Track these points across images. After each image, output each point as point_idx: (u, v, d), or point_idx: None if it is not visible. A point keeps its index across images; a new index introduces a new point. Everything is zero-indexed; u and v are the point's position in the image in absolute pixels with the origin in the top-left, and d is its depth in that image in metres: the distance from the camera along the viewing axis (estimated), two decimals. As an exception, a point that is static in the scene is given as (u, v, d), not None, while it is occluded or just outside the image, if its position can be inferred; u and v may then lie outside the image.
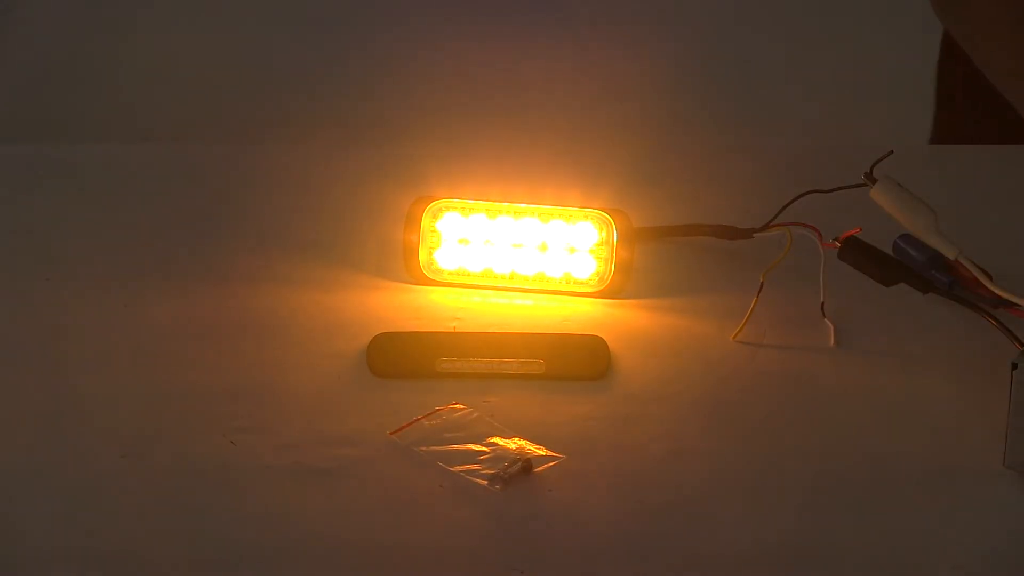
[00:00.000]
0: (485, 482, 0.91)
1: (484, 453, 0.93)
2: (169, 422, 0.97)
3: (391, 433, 0.95)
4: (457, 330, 1.07)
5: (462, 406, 0.98)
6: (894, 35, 2.36)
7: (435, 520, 0.89)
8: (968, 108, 1.45)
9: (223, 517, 0.89)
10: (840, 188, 1.05)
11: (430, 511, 0.90)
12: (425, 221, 1.10)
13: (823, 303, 1.06)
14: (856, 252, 1.03)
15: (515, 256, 1.10)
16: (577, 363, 1.03)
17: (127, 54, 2.54)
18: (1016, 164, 1.29)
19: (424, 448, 0.94)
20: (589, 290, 1.10)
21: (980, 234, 1.08)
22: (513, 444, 0.94)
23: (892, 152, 1.02)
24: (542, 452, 0.93)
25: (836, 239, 1.04)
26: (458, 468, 0.92)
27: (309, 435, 0.95)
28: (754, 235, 1.11)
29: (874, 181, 1.02)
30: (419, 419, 0.96)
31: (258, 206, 1.23)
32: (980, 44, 1.27)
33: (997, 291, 0.99)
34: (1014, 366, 0.91)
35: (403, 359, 1.03)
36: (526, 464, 0.92)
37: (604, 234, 1.10)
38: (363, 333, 1.05)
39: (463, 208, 1.11)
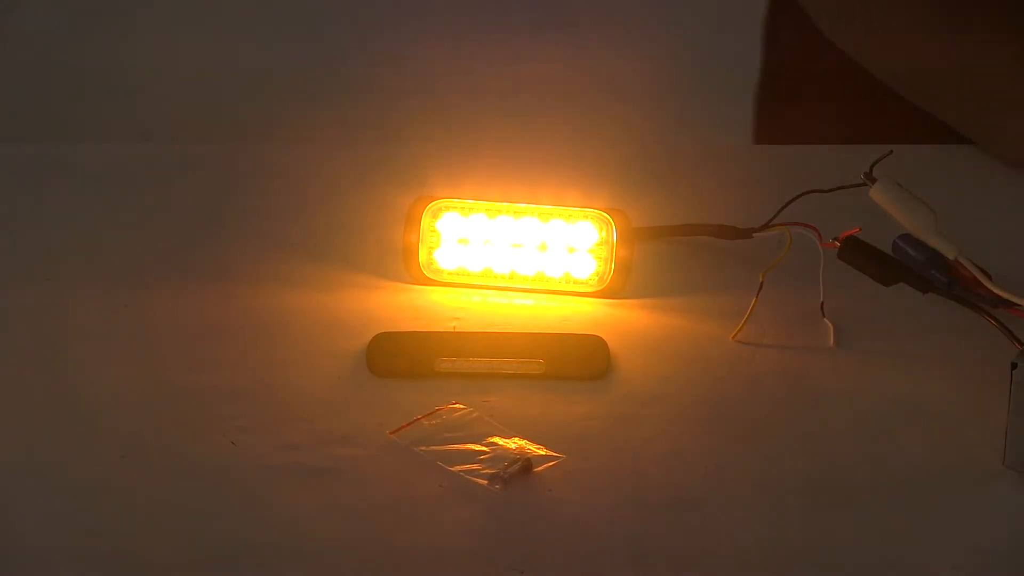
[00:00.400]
0: (485, 482, 0.91)
1: (484, 453, 0.93)
2: (169, 422, 0.97)
3: (391, 433, 0.95)
4: (457, 330, 1.07)
5: (462, 406, 0.98)
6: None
7: (435, 520, 0.89)
8: (792, 108, 1.45)
9: (223, 517, 0.89)
10: (840, 188, 1.05)
11: (430, 511, 0.90)
12: (425, 221, 1.10)
13: (823, 303, 1.06)
14: (856, 252, 1.03)
15: (515, 256, 1.10)
16: (577, 363, 1.03)
17: (127, 54, 2.54)
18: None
19: (424, 448, 0.94)
20: (589, 290, 1.10)
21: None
22: (513, 444, 0.94)
23: (892, 152, 1.02)
24: (542, 452, 0.93)
25: (836, 239, 1.04)
26: (458, 468, 0.92)
27: (309, 435, 0.95)
28: (754, 235, 1.11)
29: (874, 181, 1.02)
30: (419, 419, 0.96)
31: (258, 206, 1.23)
32: (888, 55, 1.26)
33: (997, 291, 0.99)
34: (1014, 366, 0.91)
35: (403, 359, 1.03)
36: (526, 464, 0.92)
37: (603, 234, 1.10)
38: (363, 333, 1.05)
39: (463, 208, 1.11)
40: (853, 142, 1.30)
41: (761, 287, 1.05)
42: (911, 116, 1.29)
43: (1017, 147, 1.25)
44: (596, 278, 1.10)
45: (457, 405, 0.98)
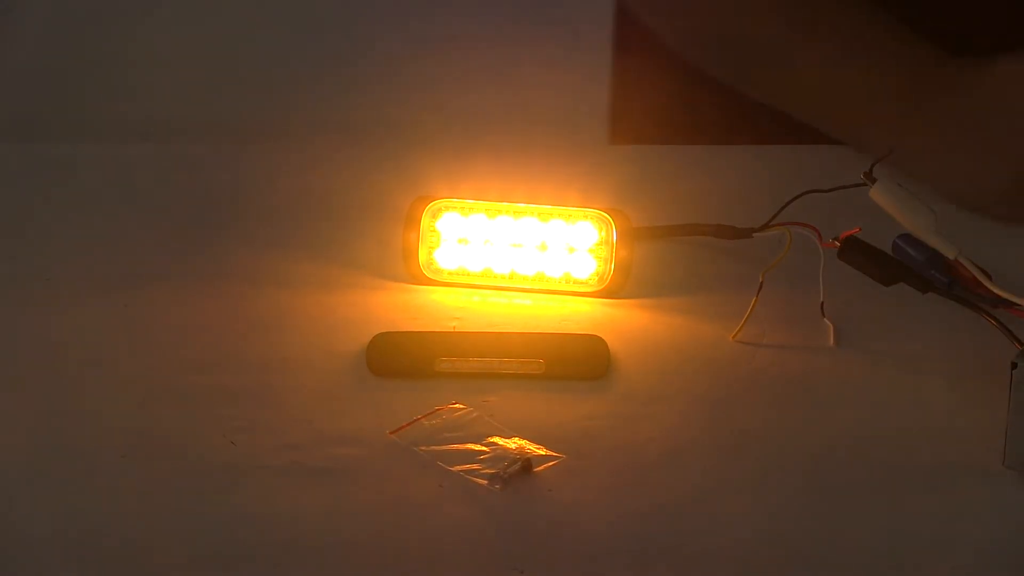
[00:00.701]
0: (485, 482, 0.91)
1: (484, 453, 0.93)
2: (169, 422, 0.97)
3: (391, 433, 0.95)
4: (457, 330, 1.07)
5: (462, 406, 0.98)
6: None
7: (435, 520, 0.89)
8: (645, 109, 1.45)
9: (223, 517, 0.89)
10: (840, 188, 1.05)
11: (430, 511, 0.90)
12: (425, 221, 1.10)
13: (823, 303, 1.06)
14: (856, 252, 1.03)
15: (514, 256, 1.10)
16: (577, 363, 1.03)
17: (127, 54, 2.54)
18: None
19: (424, 448, 0.94)
20: (589, 290, 1.10)
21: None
22: (513, 444, 0.94)
23: (892, 151, 1.03)
24: (542, 452, 0.93)
25: (836, 239, 1.04)
26: (458, 468, 0.92)
27: (309, 435, 0.95)
28: (754, 235, 1.11)
29: (874, 181, 1.02)
30: (419, 419, 0.96)
31: (258, 206, 1.23)
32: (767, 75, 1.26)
33: (996, 291, 0.99)
34: (1014, 366, 0.91)
35: (403, 359, 1.03)
36: (526, 464, 0.92)
37: (603, 234, 1.10)
38: (363, 333, 1.05)
39: (463, 208, 1.11)
40: (710, 143, 1.30)
41: (761, 287, 1.05)
42: (768, 116, 1.29)
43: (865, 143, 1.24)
44: (596, 278, 1.10)
45: (457, 405, 0.98)
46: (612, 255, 1.09)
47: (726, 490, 0.92)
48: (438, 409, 0.97)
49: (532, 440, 0.94)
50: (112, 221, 1.20)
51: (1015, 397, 0.91)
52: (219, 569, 0.86)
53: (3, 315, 1.08)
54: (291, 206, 1.23)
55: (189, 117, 2.43)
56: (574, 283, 1.10)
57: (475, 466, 0.92)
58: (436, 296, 1.11)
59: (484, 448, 0.94)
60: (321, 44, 2.56)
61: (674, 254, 1.15)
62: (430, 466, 0.92)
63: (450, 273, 1.11)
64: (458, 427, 0.96)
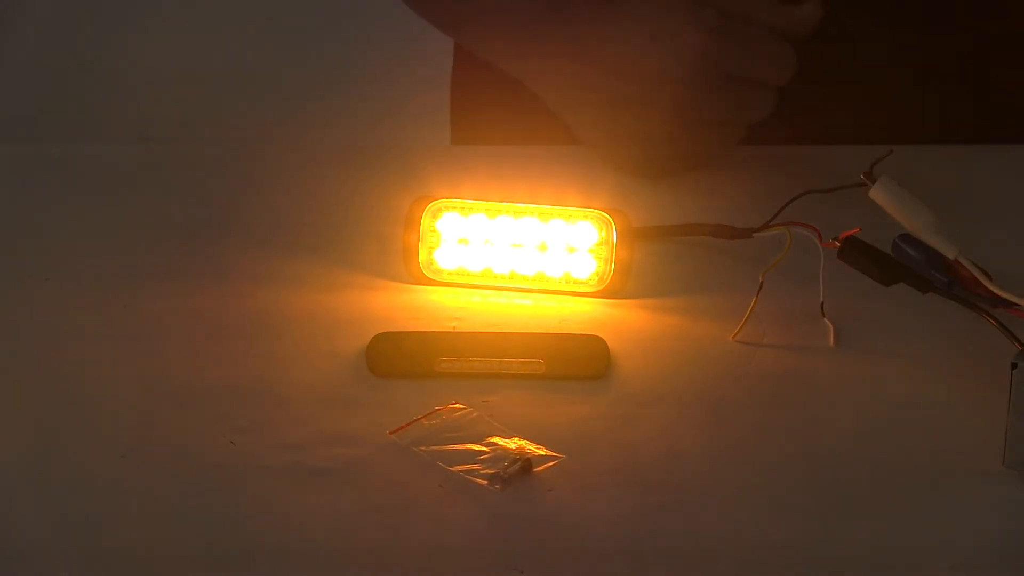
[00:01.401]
0: (485, 482, 0.91)
1: (484, 453, 0.93)
2: (169, 422, 0.97)
3: (391, 433, 0.95)
4: (457, 330, 1.07)
5: (462, 406, 0.98)
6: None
7: (435, 520, 0.89)
8: (484, 109, 1.46)
9: (222, 517, 0.89)
10: (839, 188, 1.05)
11: (430, 511, 0.90)
12: (425, 221, 1.10)
13: (823, 303, 1.06)
14: (856, 252, 1.03)
15: (515, 256, 1.10)
16: (577, 363, 1.03)
17: (127, 54, 2.54)
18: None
19: (424, 448, 0.94)
20: (589, 290, 1.10)
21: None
22: (513, 444, 0.94)
23: (892, 151, 1.03)
24: (542, 452, 0.93)
25: (836, 239, 1.04)
26: (458, 468, 0.92)
27: (309, 435, 0.95)
28: (753, 235, 1.11)
29: (873, 180, 1.02)
30: (419, 419, 0.96)
31: (258, 206, 1.23)
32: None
33: (996, 291, 0.99)
34: (1014, 366, 0.91)
35: (403, 359, 1.03)
36: (526, 464, 0.92)
37: (604, 234, 1.10)
38: (363, 333, 1.05)
39: (463, 208, 1.11)
40: (544, 143, 1.30)
41: (761, 287, 1.05)
42: None
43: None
44: (596, 278, 1.10)
45: (457, 405, 0.98)
46: (612, 255, 1.09)
47: (726, 490, 0.92)
48: (438, 409, 0.97)
49: (532, 440, 0.94)
50: (112, 221, 1.20)
51: (1015, 397, 0.91)
52: (219, 569, 0.86)
53: (3, 315, 1.08)
54: (291, 206, 1.23)
55: (189, 117, 2.43)
56: (574, 283, 1.10)
57: (475, 466, 0.92)
58: (436, 296, 1.11)
59: (484, 448, 0.94)
60: (320, 43, 2.56)
61: (674, 254, 1.15)
62: (430, 466, 0.92)
63: (450, 273, 1.11)
64: (458, 427, 0.96)
